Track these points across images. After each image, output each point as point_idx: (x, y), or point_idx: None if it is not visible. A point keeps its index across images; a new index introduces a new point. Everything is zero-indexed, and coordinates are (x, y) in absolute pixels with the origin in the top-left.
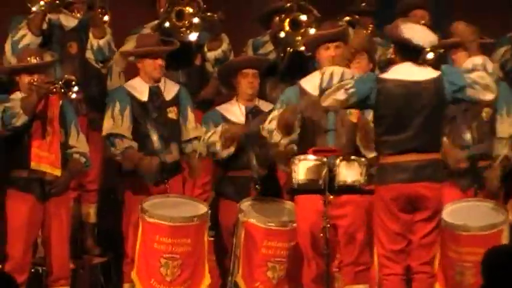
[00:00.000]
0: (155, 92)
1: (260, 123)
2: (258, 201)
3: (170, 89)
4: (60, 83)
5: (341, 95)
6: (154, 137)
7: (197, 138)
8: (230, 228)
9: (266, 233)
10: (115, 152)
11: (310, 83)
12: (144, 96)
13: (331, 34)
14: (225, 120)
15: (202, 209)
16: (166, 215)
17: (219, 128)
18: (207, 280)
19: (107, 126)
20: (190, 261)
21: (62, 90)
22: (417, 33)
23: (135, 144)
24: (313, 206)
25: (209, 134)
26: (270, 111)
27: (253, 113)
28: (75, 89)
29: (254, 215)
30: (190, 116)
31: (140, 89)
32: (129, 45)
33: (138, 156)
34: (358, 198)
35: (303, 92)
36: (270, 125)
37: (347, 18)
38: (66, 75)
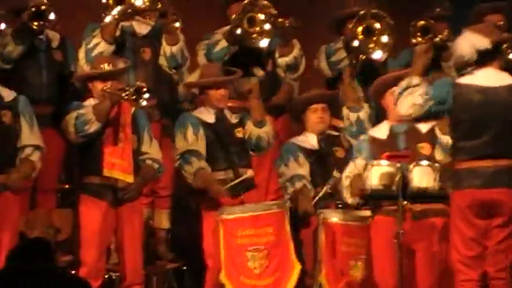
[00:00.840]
0: (221, 115)
1: None
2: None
3: (234, 114)
4: (131, 90)
5: (418, 99)
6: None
7: None
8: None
9: (345, 231)
10: (189, 171)
11: (380, 132)
12: (211, 119)
13: None
14: (302, 150)
15: (280, 203)
16: (246, 207)
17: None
18: (297, 267)
19: (182, 145)
20: (276, 251)
21: (133, 97)
22: (462, 44)
23: (208, 167)
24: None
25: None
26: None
27: (325, 140)
28: (146, 96)
29: (333, 214)
30: None
31: (206, 114)
32: (194, 76)
33: (209, 179)
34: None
35: (372, 141)
36: (346, 181)
37: (421, 22)
38: (137, 83)
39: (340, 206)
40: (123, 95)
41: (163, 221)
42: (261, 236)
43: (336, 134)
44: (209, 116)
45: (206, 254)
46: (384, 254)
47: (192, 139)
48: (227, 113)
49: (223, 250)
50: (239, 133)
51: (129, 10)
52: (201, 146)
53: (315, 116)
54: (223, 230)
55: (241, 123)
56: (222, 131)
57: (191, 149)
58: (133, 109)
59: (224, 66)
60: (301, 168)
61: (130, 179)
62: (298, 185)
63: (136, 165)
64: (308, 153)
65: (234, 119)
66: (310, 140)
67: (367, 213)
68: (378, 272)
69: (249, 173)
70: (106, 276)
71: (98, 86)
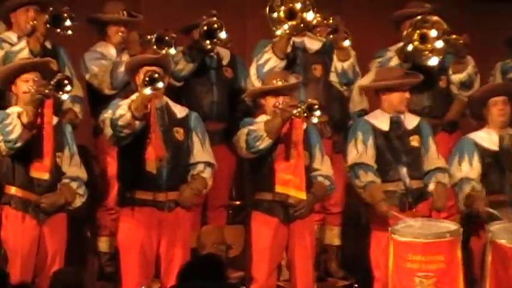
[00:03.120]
0: (396, 121)
1: None
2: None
3: (411, 119)
4: (303, 106)
5: None
6: (400, 166)
7: (440, 168)
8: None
9: None
10: (358, 184)
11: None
12: (385, 126)
13: None
14: (479, 148)
15: (454, 226)
16: (418, 232)
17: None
18: None
19: (352, 156)
20: (446, 280)
21: (305, 114)
22: None
23: (378, 180)
24: None
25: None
26: None
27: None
28: (317, 113)
29: (503, 236)
30: (432, 146)
31: (381, 119)
32: (367, 78)
33: (378, 197)
34: None
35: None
36: None
37: None
38: (309, 100)
39: None
40: (295, 111)
41: (334, 238)
42: (431, 262)
43: None
44: (384, 122)
45: (373, 265)
46: None
47: (361, 149)
48: (403, 115)
49: (392, 269)
50: (414, 141)
51: (301, 25)
52: (369, 157)
53: (495, 108)
54: (394, 250)
55: (418, 129)
56: (395, 139)
57: (359, 162)
58: (304, 125)
59: None
60: (473, 170)
61: (303, 195)
62: (466, 189)
63: (308, 182)
64: (485, 153)
65: (412, 122)
66: (491, 137)
67: None
68: None
69: (417, 183)
70: None
71: (270, 101)
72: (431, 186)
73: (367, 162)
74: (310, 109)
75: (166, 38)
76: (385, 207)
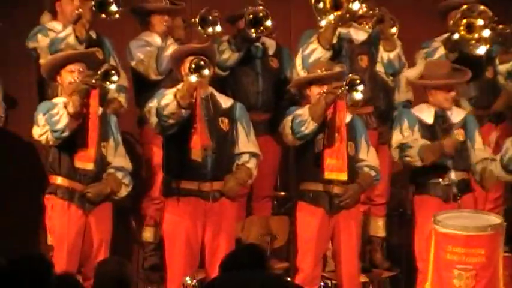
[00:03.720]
0: (441, 115)
1: None
2: None
3: (457, 113)
4: (344, 82)
5: None
6: (445, 158)
7: (487, 158)
8: None
9: None
10: (411, 154)
11: None
12: (429, 119)
13: None
14: None
15: (497, 220)
16: (460, 224)
17: None
18: None
19: (397, 139)
20: (485, 274)
21: (346, 92)
22: None
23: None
24: None
25: None
26: None
27: None
28: (360, 87)
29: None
30: (478, 139)
31: (426, 112)
32: (414, 71)
33: (437, 145)
34: None
35: None
36: None
37: None
38: (350, 75)
39: None
40: (339, 92)
41: (379, 229)
42: (471, 255)
43: None
44: (428, 116)
45: (417, 257)
46: None
47: (406, 134)
48: (453, 109)
49: (433, 261)
50: (459, 135)
51: (347, 15)
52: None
53: None
54: (435, 241)
55: (463, 125)
56: (439, 132)
57: (405, 142)
58: (349, 116)
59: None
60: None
61: (343, 176)
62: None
63: (353, 172)
64: None
65: (458, 116)
66: None
67: None
68: None
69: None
70: (322, 283)
71: (315, 90)
72: (478, 168)
73: (412, 143)
74: (352, 84)
75: (210, 17)
76: (449, 142)
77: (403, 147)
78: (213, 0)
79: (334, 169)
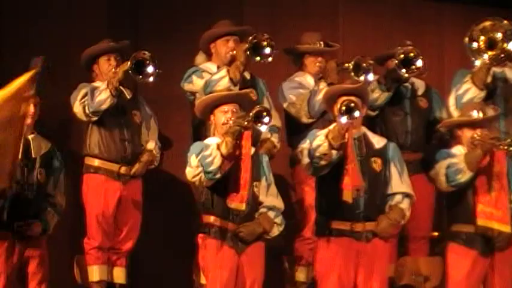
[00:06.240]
0: None
1: None
2: None
3: None
4: (508, 140)
5: None
6: None
7: None
8: None
9: None
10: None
11: None
12: None
13: None
14: None
15: None
16: None
17: None
18: None
19: None
20: None
21: (509, 148)
22: None
23: None
24: None
25: None
26: None
27: None
28: None
29: None
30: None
31: None
32: None
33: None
34: None
35: None
36: None
37: None
38: None
39: None
40: (498, 143)
41: None
42: None
43: None
44: None
45: None
46: None
47: None
48: None
49: None
50: None
51: (501, 56)
52: None
53: None
54: None
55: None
56: None
57: None
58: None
59: None
60: None
61: (507, 228)
62: None
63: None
64: None
65: None
66: None
67: None
68: None
69: None
70: None
71: (467, 133)
72: None
73: None
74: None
75: (364, 64)
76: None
77: None
78: (366, 41)
79: (494, 218)
